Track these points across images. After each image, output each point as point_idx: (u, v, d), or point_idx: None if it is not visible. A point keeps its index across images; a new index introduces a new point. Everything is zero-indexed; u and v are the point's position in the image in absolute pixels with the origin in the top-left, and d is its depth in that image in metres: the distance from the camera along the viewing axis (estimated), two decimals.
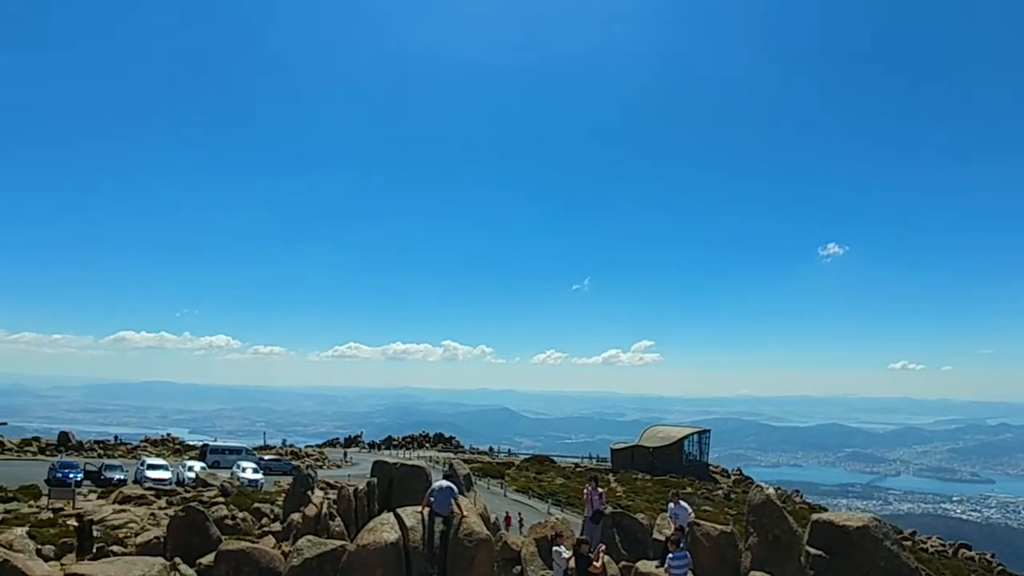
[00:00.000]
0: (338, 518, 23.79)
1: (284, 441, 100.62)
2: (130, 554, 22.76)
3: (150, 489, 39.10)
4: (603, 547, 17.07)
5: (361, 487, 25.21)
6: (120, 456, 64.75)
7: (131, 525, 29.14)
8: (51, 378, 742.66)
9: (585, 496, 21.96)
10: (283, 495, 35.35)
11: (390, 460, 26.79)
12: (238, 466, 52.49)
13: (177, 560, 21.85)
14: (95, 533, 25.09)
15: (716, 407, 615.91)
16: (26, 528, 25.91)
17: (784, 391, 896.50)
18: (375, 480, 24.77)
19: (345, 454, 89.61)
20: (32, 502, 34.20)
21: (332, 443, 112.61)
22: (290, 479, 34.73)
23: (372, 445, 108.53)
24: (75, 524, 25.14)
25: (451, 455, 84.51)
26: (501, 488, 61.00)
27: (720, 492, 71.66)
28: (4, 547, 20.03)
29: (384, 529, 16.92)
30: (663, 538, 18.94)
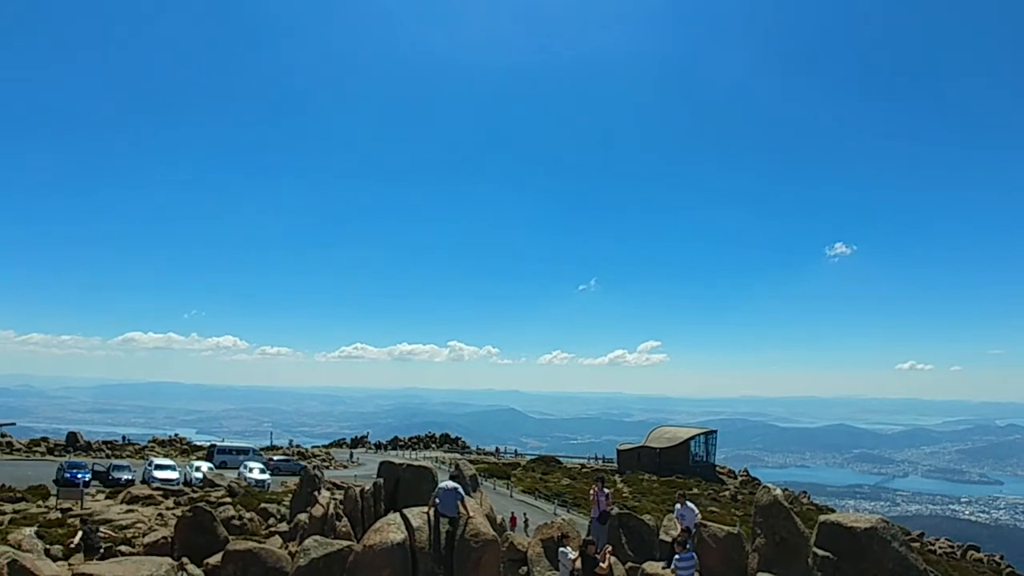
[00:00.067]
0: (345, 518, 23.78)
1: (291, 441, 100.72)
2: (138, 554, 22.88)
3: (158, 489, 39.18)
4: (609, 548, 17.05)
5: (368, 487, 25.20)
6: (128, 456, 64.97)
7: (139, 525, 29.23)
8: (59, 379, 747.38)
9: (591, 497, 21.92)
10: (290, 495, 35.43)
11: (396, 461, 26.77)
12: (245, 466, 52.62)
13: (184, 560, 21.94)
14: (100, 532, 25.18)
15: (723, 408, 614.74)
16: (35, 528, 26.04)
17: (791, 392, 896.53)
18: (381, 481, 24.76)
19: (351, 454, 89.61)
20: (40, 502, 34.36)
21: (338, 443, 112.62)
22: (297, 479, 34.81)
23: (378, 446, 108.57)
24: (79, 529, 25.23)
25: (457, 456, 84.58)
26: (507, 489, 60.97)
27: (727, 493, 71.39)
28: (13, 547, 20.12)
29: (391, 530, 16.92)
30: (670, 539, 18.89)
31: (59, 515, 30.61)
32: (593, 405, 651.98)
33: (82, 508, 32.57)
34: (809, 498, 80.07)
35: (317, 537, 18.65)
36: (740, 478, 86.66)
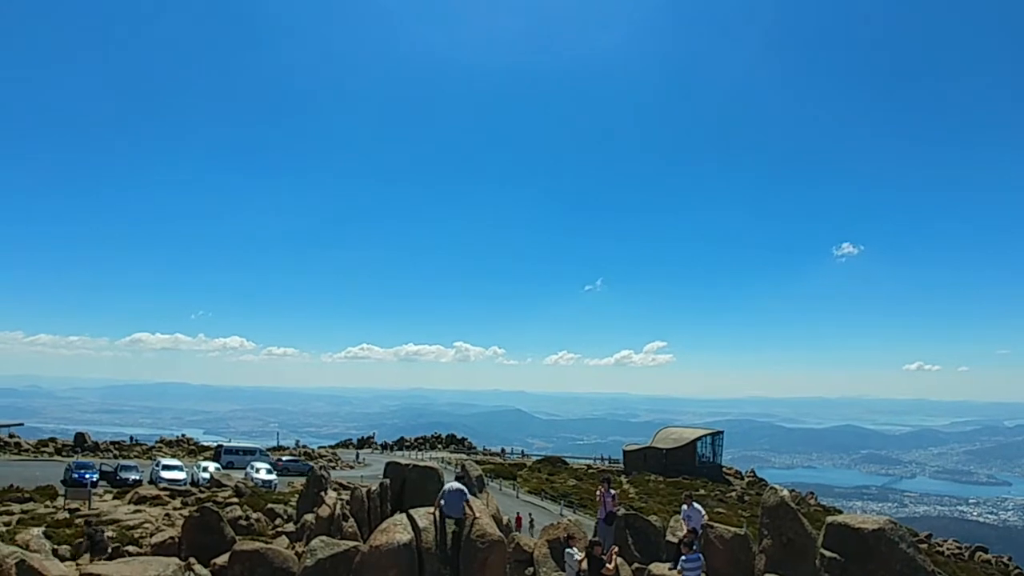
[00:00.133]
0: (351, 519, 23.83)
1: (297, 442, 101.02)
2: (145, 554, 22.96)
3: (165, 489, 39.35)
4: (616, 549, 17.02)
5: (374, 488, 25.23)
6: (135, 457, 65.29)
7: (146, 525, 29.39)
8: (67, 379, 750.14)
9: (598, 498, 21.90)
10: (296, 496, 35.51)
11: (403, 461, 26.75)
12: (252, 467, 52.80)
13: (192, 560, 22.03)
14: (108, 534, 25.29)
15: (729, 408, 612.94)
16: (42, 528, 26.19)
17: (798, 392, 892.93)
18: (388, 481, 24.77)
19: (358, 455, 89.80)
20: (48, 502, 34.55)
21: (345, 444, 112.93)
22: (304, 480, 34.89)
23: (385, 446, 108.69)
24: (86, 530, 25.35)
25: (463, 456, 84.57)
26: (513, 489, 60.97)
27: (733, 494, 71.19)
28: (21, 547, 20.23)
29: (397, 530, 16.92)
30: (676, 540, 18.86)
31: (67, 515, 30.77)
32: (599, 406, 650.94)
33: (90, 508, 32.74)
34: (816, 499, 79.75)
35: (324, 537, 18.68)
36: (747, 479, 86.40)
